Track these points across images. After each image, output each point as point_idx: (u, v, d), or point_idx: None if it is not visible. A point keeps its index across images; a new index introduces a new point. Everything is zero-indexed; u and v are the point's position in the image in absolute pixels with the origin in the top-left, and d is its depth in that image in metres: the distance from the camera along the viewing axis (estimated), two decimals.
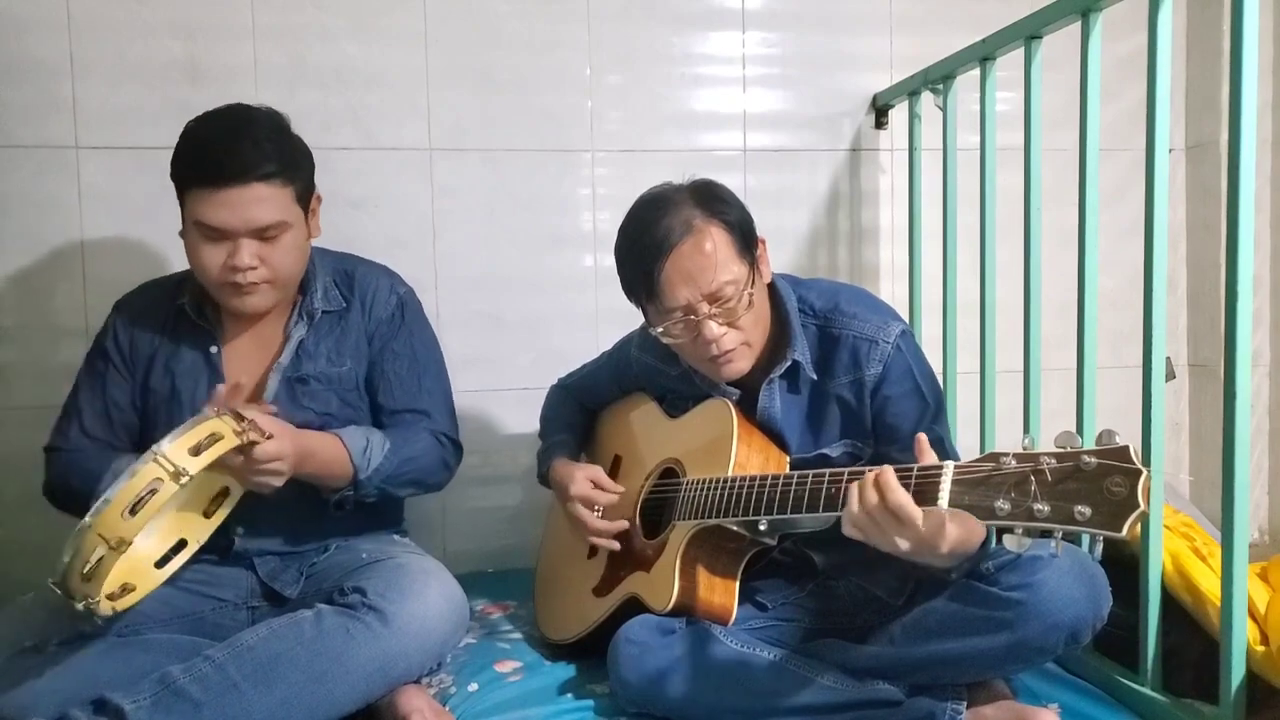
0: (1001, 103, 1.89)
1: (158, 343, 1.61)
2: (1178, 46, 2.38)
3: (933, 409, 1.46)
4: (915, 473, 1.13)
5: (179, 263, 1.71)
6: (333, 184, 1.68)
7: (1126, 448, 0.96)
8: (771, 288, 1.50)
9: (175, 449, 1.24)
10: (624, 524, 1.58)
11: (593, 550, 1.64)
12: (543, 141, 2.18)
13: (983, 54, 1.81)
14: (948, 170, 1.99)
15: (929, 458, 1.15)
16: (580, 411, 1.84)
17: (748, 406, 1.51)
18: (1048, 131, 1.68)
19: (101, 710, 1.26)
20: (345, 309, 1.64)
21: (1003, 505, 1.02)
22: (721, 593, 1.46)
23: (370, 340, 1.65)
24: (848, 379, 1.46)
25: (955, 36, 1.93)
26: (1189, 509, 1.93)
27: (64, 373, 1.69)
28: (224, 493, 1.45)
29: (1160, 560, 1.49)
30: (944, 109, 1.99)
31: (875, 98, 2.29)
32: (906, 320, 1.56)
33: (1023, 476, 1.01)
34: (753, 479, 1.37)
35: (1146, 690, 1.46)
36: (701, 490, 1.44)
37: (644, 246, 1.40)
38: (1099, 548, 1.05)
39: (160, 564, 1.38)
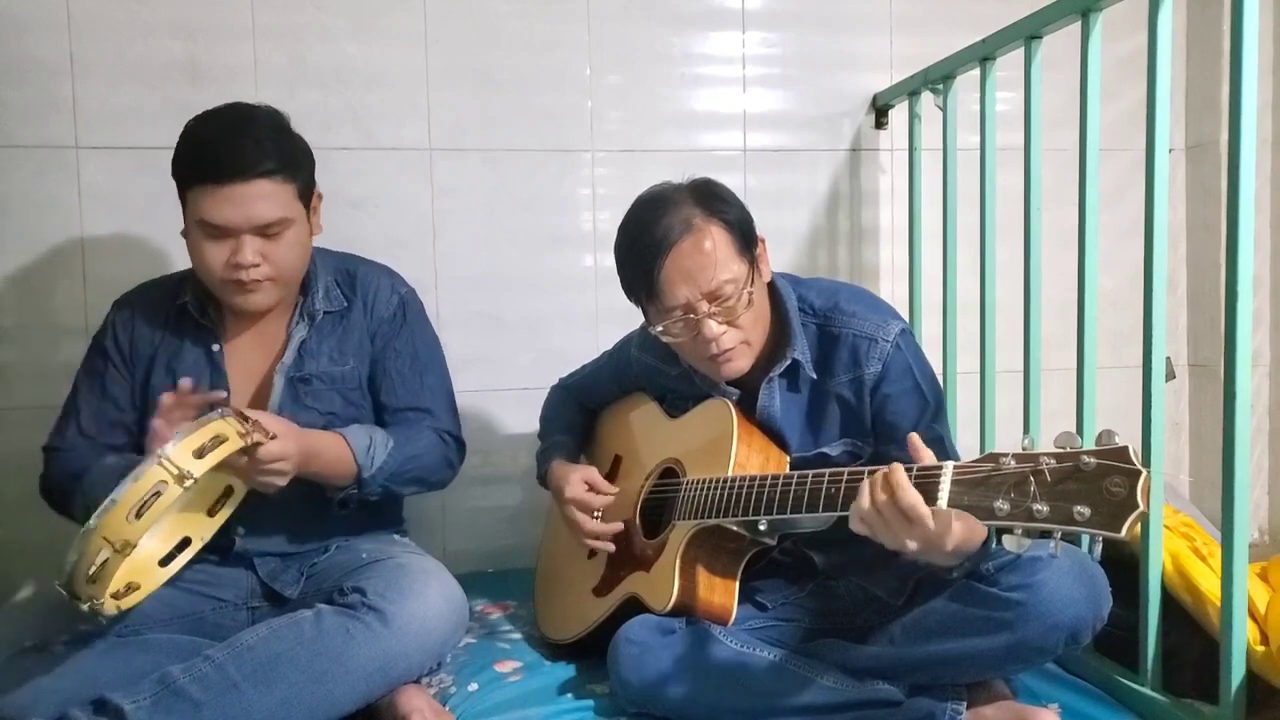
0: (1001, 103, 1.89)
1: (158, 342, 1.61)
2: (1178, 46, 2.38)
3: (932, 408, 1.46)
4: (915, 473, 1.13)
5: (179, 262, 1.71)
6: (333, 184, 1.69)
7: (1126, 448, 0.96)
8: (771, 287, 1.50)
9: (180, 452, 1.24)
10: (619, 526, 1.58)
11: (592, 550, 1.64)
12: (543, 141, 2.18)
13: (983, 54, 1.81)
14: (948, 170, 1.99)
15: (925, 458, 1.15)
16: (580, 412, 1.84)
17: (747, 406, 1.51)
18: (1048, 131, 1.68)
19: (101, 710, 1.26)
20: (347, 308, 1.65)
21: (1002, 506, 1.02)
22: (721, 593, 1.46)
23: (372, 339, 1.65)
24: (847, 378, 1.46)
25: (955, 36, 1.93)
26: (1189, 509, 1.93)
27: (64, 373, 1.68)
28: (228, 491, 1.45)
29: (1160, 560, 1.49)
30: (944, 109, 1.99)
31: (875, 98, 2.29)
32: (906, 320, 1.56)
33: (1022, 477, 1.01)
34: (753, 479, 1.37)
35: (1146, 690, 1.46)
36: (701, 490, 1.44)
37: (644, 245, 1.40)
38: (1099, 548, 1.05)
39: (164, 562, 1.38)
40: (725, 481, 1.41)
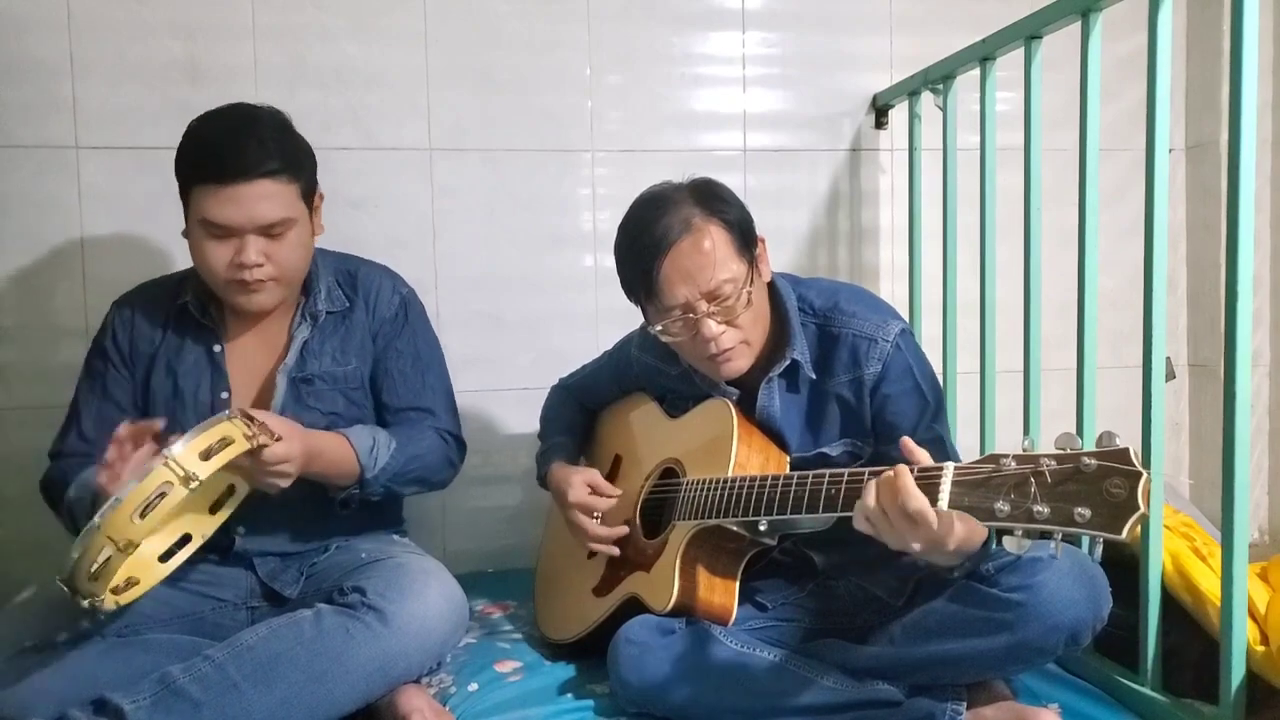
0: (1001, 103, 1.89)
1: (159, 342, 1.60)
2: (1178, 46, 2.38)
3: (932, 408, 1.46)
4: (915, 474, 1.13)
5: (180, 262, 1.71)
6: (333, 184, 1.69)
7: (1127, 450, 0.96)
8: (771, 287, 1.50)
9: (186, 453, 1.24)
10: (624, 530, 1.58)
11: (592, 550, 1.64)
12: (543, 141, 2.18)
13: (983, 54, 1.81)
14: (948, 170, 1.99)
15: (922, 459, 1.15)
16: (580, 412, 1.84)
17: (747, 406, 1.51)
18: (1048, 131, 1.68)
19: (101, 710, 1.27)
20: (349, 309, 1.65)
21: (1002, 507, 1.02)
22: (721, 593, 1.46)
23: (374, 339, 1.65)
24: (847, 378, 1.46)
25: (955, 36, 1.93)
26: (1189, 509, 1.93)
27: (64, 373, 1.69)
28: (230, 490, 1.45)
29: (1160, 560, 1.49)
30: (944, 109, 1.99)
31: (875, 98, 2.29)
32: (906, 320, 1.56)
33: (1023, 478, 1.01)
34: (753, 479, 1.37)
35: (1146, 690, 1.46)
36: (701, 490, 1.44)
37: (643, 245, 1.40)
38: (1099, 549, 1.04)
39: (164, 558, 1.38)
40: (725, 482, 1.41)
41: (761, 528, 1.39)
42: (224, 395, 1.57)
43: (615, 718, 1.43)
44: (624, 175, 2.20)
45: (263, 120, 1.49)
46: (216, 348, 1.59)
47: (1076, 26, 1.54)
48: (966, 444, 1.88)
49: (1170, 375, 2.39)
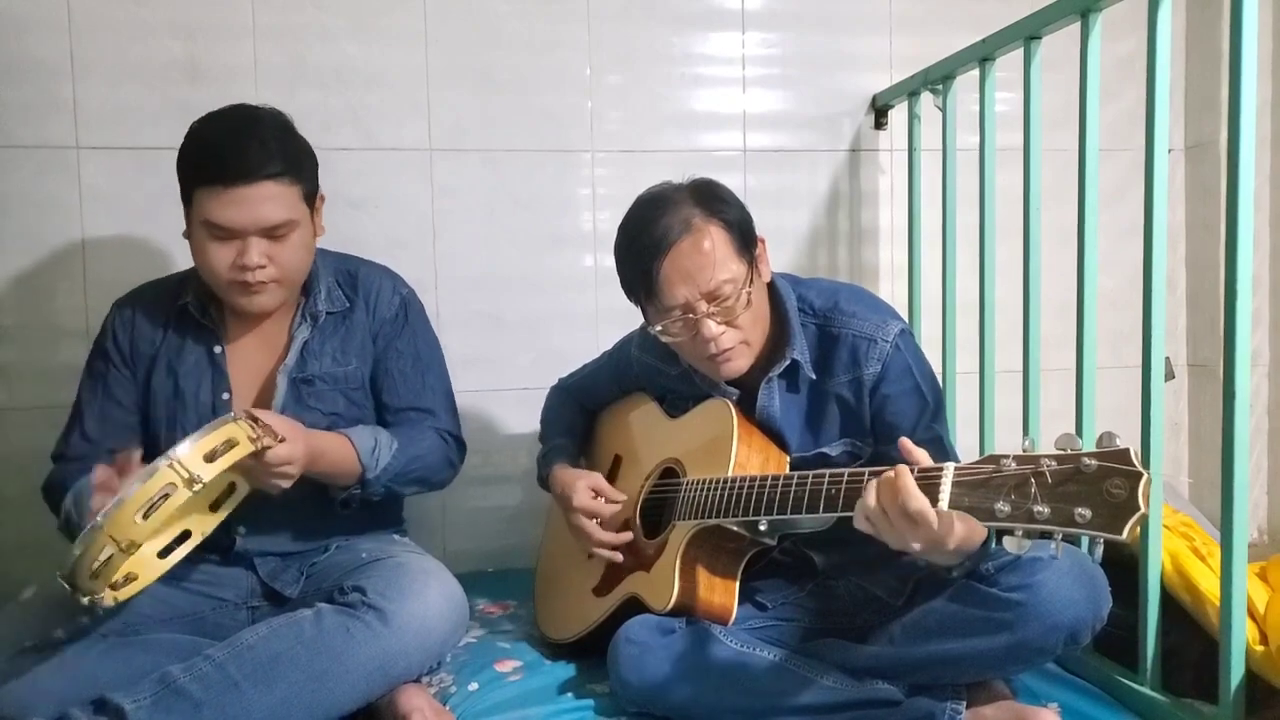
0: (1001, 103, 1.89)
1: (159, 342, 1.60)
2: (1177, 46, 2.38)
3: (932, 408, 1.46)
4: (915, 474, 1.13)
5: (181, 263, 1.71)
6: (333, 184, 1.69)
7: (1127, 450, 0.96)
8: (771, 287, 1.50)
9: (191, 455, 1.24)
10: (628, 536, 1.58)
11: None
12: (543, 141, 2.18)
13: (982, 54, 1.81)
14: (947, 170, 1.99)
15: (920, 459, 1.15)
16: (580, 413, 1.84)
17: (747, 406, 1.51)
18: (1047, 131, 1.68)
19: (101, 710, 1.27)
20: (349, 309, 1.65)
21: (1003, 507, 1.02)
22: (721, 593, 1.46)
23: (375, 339, 1.65)
24: (847, 378, 1.46)
25: (955, 36, 1.93)
26: (1188, 509, 1.93)
27: (65, 373, 1.69)
28: (231, 487, 1.45)
29: (1160, 560, 1.49)
30: (943, 109, 1.99)
31: (875, 98, 2.29)
32: (906, 320, 1.56)
33: (1023, 478, 1.01)
34: (753, 479, 1.37)
35: (1146, 690, 1.46)
36: (701, 490, 1.44)
37: (643, 245, 1.40)
38: (1099, 549, 1.04)
39: (163, 554, 1.38)
40: (725, 482, 1.41)
41: (761, 528, 1.40)
42: (225, 396, 1.57)
43: (615, 717, 1.43)
44: (624, 175, 2.20)
45: (265, 122, 1.49)
46: (217, 348, 1.59)
47: (1076, 27, 1.54)
48: (966, 444, 1.88)
49: (1170, 375, 2.40)
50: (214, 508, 1.44)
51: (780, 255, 2.18)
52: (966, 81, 1.96)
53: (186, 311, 1.60)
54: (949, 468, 1.10)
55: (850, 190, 2.32)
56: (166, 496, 1.22)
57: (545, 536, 1.88)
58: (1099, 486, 0.96)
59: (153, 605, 1.44)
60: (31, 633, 1.39)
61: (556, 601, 1.73)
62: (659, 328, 1.43)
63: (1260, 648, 1.44)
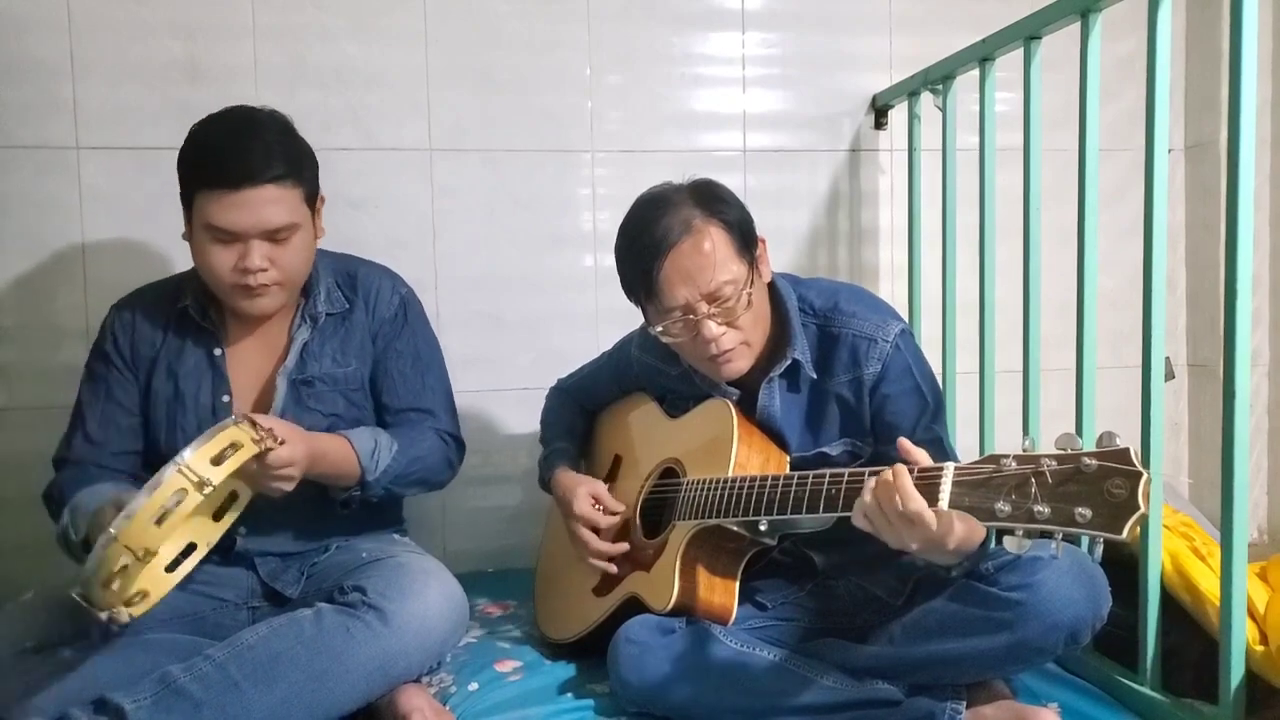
0: (1001, 103, 1.89)
1: (159, 345, 1.60)
2: (1177, 46, 2.38)
3: (932, 408, 1.46)
4: (916, 474, 1.13)
5: (180, 264, 1.71)
6: (333, 184, 1.69)
7: (1127, 450, 0.96)
8: (771, 287, 1.50)
9: (198, 459, 1.24)
10: (624, 546, 1.58)
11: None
12: (543, 141, 2.18)
13: (982, 54, 1.81)
14: (947, 170, 1.99)
15: (919, 459, 1.15)
16: (580, 414, 1.84)
17: (747, 406, 1.51)
18: (1047, 131, 1.68)
19: (102, 710, 1.26)
20: (349, 310, 1.65)
21: (1003, 507, 1.02)
22: (721, 593, 1.46)
23: (374, 340, 1.65)
24: (847, 378, 1.47)
25: (955, 36, 1.93)
26: (1188, 509, 1.93)
27: (65, 374, 1.69)
28: (233, 496, 1.45)
29: (1160, 560, 1.49)
30: (943, 109, 1.99)
31: (875, 98, 2.29)
32: (906, 320, 1.56)
33: (1023, 478, 1.01)
34: (753, 479, 1.37)
35: (1146, 690, 1.46)
36: (702, 490, 1.44)
37: (643, 246, 1.40)
38: (1099, 549, 1.05)
39: (170, 568, 1.38)
40: (725, 482, 1.41)
41: (762, 528, 1.40)
42: (225, 398, 1.57)
43: (615, 717, 1.43)
44: (624, 175, 2.20)
45: (266, 124, 1.49)
46: (217, 351, 1.59)
47: (1076, 27, 1.54)
48: (966, 444, 1.88)
49: (1170, 375, 2.40)
50: (216, 517, 1.45)
51: (780, 255, 2.18)
52: (966, 81, 1.96)
53: (186, 314, 1.60)
54: (949, 467, 1.10)
55: (850, 190, 2.32)
56: (179, 502, 1.22)
57: (545, 536, 1.88)
58: (1099, 486, 0.96)
59: None
60: (31, 633, 1.39)
61: (556, 601, 1.73)
62: (659, 328, 1.43)
63: (1260, 648, 1.44)
